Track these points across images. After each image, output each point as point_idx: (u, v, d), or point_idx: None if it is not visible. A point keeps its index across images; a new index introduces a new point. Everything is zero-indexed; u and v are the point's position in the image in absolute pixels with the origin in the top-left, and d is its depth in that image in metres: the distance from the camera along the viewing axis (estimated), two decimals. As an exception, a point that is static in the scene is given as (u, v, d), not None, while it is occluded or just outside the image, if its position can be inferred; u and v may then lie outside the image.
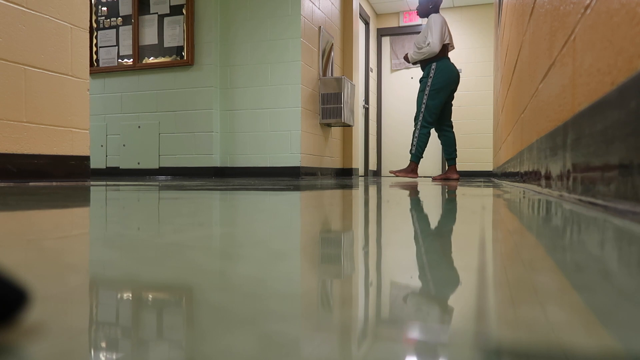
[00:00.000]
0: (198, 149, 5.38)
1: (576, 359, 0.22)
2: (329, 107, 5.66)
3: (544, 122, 1.77)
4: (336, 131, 6.38)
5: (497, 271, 0.42)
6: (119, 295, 0.34)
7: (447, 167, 5.21)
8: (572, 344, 0.24)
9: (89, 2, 3.83)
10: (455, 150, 5.04)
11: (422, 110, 4.83)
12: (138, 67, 5.62)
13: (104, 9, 5.83)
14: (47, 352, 0.23)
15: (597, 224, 0.75)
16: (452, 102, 5.04)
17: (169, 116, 5.50)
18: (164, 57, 5.51)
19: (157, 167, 5.58)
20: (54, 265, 0.44)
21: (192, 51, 5.36)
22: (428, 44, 4.78)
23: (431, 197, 1.68)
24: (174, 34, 5.47)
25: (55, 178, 2.92)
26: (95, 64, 5.85)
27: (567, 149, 1.30)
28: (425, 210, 1.11)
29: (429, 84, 4.80)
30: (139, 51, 5.62)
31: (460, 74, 8.15)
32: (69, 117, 3.02)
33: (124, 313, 0.30)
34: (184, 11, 5.41)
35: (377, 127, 8.79)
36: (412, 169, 4.95)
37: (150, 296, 0.34)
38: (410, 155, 5.07)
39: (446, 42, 4.85)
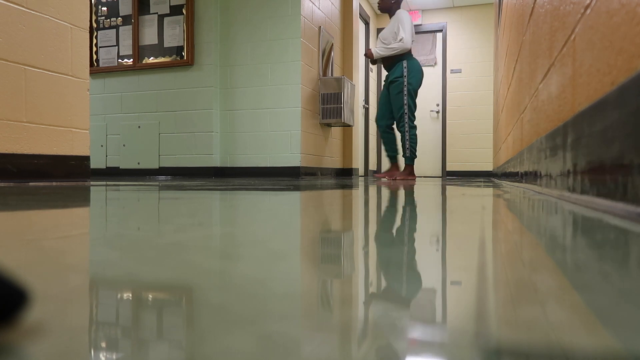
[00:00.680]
0: (198, 149, 5.38)
1: (576, 359, 0.22)
2: (329, 107, 5.66)
3: (544, 122, 1.77)
4: (336, 131, 6.38)
5: (497, 271, 0.42)
6: (118, 295, 0.34)
7: (389, 165, 5.07)
8: (572, 344, 0.24)
9: (89, 2, 3.83)
10: (397, 149, 4.96)
11: (406, 111, 4.72)
12: (138, 67, 5.62)
13: (104, 9, 5.83)
14: (47, 352, 0.23)
15: (598, 224, 0.75)
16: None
17: (169, 116, 5.50)
18: (164, 57, 5.51)
19: (157, 167, 5.58)
20: (54, 265, 0.44)
21: (192, 51, 5.36)
22: (401, 40, 4.64)
23: (432, 197, 1.68)
24: (174, 34, 5.47)
25: (55, 178, 2.92)
26: (95, 64, 5.85)
27: (567, 149, 1.30)
28: (427, 209, 1.11)
29: (405, 83, 4.68)
30: (139, 51, 5.62)
31: (460, 72, 8.20)
32: (69, 117, 3.02)
33: (123, 313, 0.30)
34: (184, 11, 5.41)
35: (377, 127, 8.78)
36: (409, 171, 4.90)
37: (150, 296, 0.34)
38: (405, 158, 4.87)
39: (413, 39, 4.77)
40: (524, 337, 0.25)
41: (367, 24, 8.11)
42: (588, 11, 1.11)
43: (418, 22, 8.43)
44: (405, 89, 4.68)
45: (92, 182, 3.08)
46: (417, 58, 8.41)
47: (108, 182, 3.18)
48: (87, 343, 0.24)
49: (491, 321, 0.28)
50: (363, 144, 8.18)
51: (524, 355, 0.22)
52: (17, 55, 2.69)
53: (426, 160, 8.59)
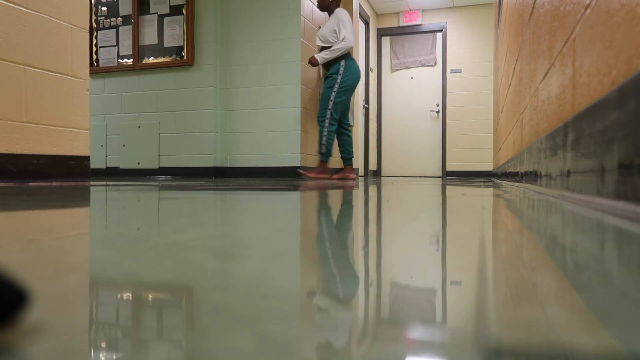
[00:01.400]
0: (198, 149, 5.38)
1: (576, 359, 0.22)
2: (329, 107, 5.66)
3: (544, 122, 1.77)
4: (336, 131, 6.38)
5: (497, 271, 0.42)
6: (118, 295, 0.34)
7: (344, 166, 4.97)
8: (572, 344, 0.24)
9: (89, 2, 3.83)
10: (352, 150, 4.89)
11: (330, 107, 4.60)
12: (138, 67, 5.62)
13: (104, 9, 5.83)
14: (47, 352, 0.23)
15: (597, 224, 0.75)
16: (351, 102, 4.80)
17: (169, 116, 5.50)
18: (164, 57, 5.51)
19: (157, 167, 5.58)
20: (54, 265, 0.44)
21: (192, 51, 5.36)
22: (343, 39, 4.54)
23: (433, 197, 1.68)
24: (174, 34, 5.47)
25: (55, 178, 2.92)
26: (95, 64, 5.85)
27: (567, 149, 1.30)
28: (427, 209, 1.11)
29: (338, 81, 4.58)
30: (139, 51, 5.62)
31: (460, 72, 8.19)
32: (69, 117, 3.02)
33: (123, 313, 0.30)
34: (184, 11, 5.41)
35: (377, 127, 8.79)
36: (323, 168, 4.72)
37: (150, 296, 0.34)
38: (319, 155, 4.70)
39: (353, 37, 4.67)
40: (524, 337, 0.25)
41: (367, 24, 8.11)
42: (588, 11, 1.11)
43: (418, 22, 8.43)
44: (336, 85, 4.58)
45: (92, 182, 3.08)
46: (417, 58, 8.44)
47: (108, 182, 3.18)
48: (87, 343, 0.24)
49: (491, 321, 0.28)
50: (363, 144, 8.18)
51: (524, 355, 0.22)
52: (17, 55, 2.69)
53: (426, 160, 8.59)
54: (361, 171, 8.21)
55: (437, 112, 8.46)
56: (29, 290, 0.27)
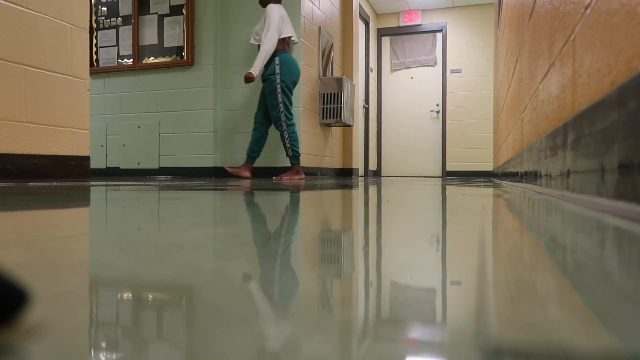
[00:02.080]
0: (198, 149, 5.38)
1: (576, 359, 0.22)
2: (329, 107, 5.66)
3: (544, 122, 1.77)
4: (336, 131, 6.38)
5: (497, 271, 0.42)
6: (118, 296, 0.34)
7: (243, 163, 4.70)
8: (572, 344, 0.24)
9: (89, 2, 3.83)
10: (261, 150, 4.63)
11: (281, 109, 4.38)
12: (138, 67, 5.62)
13: (104, 9, 5.83)
14: (47, 352, 0.23)
15: (598, 224, 0.75)
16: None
17: (169, 116, 5.50)
18: (164, 57, 5.51)
19: (157, 167, 5.58)
20: (54, 265, 0.44)
21: (192, 51, 5.36)
22: (265, 37, 4.28)
23: (433, 197, 1.68)
24: (174, 34, 5.47)
25: (55, 178, 2.92)
26: (95, 64, 5.85)
27: (567, 149, 1.30)
28: (427, 209, 1.11)
29: (278, 81, 4.35)
30: (139, 51, 5.62)
31: (460, 72, 8.20)
32: (69, 117, 3.02)
33: (123, 313, 0.30)
34: (184, 11, 5.41)
35: (377, 127, 8.79)
36: (297, 170, 4.54)
37: (150, 296, 0.34)
38: (289, 158, 4.50)
39: (287, 35, 4.42)
40: (524, 337, 0.25)
41: (367, 24, 8.11)
42: (588, 11, 1.11)
43: (418, 22, 8.43)
44: (278, 86, 4.36)
45: (92, 182, 3.08)
46: (417, 58, 8.44)
47: (108, 182, 3.18)
48: (87, 343, 0.24)
49: (491, 321, 0.28)
50: (363, 144, 8.18)
51: (524, 355, 0.22)
52: (17, 55, 2.69)
53: (426, 160, 8.59)
54: (361, 171, 8.21)
55: (437, 112, 8.46)
56: (29, 290, 0.27)
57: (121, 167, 5.76)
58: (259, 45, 4.50)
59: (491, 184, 3.33)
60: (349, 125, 6.06)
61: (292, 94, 4.48)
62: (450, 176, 8.33)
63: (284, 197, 1.53)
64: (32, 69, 2.78)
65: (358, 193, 1.90)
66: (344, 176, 6.47)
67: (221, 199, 1.43)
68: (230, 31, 5.37)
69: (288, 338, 0.25)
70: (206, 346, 0.23)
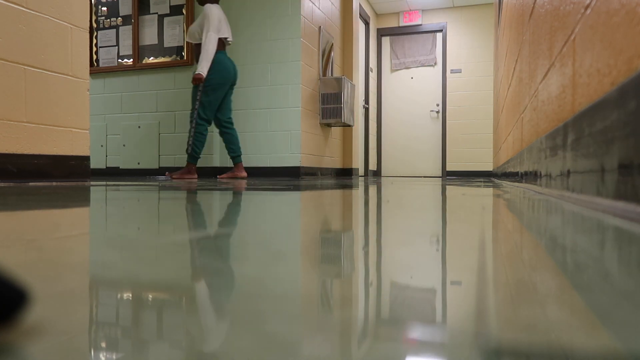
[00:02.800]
0: (198, 149, 5.37)
1: (576, 359, 0.22)
2: (329, 107, 5.66)
3: (544, 122, 1.77)
4: (336, 131, 6.38)
5: (497, 271, 0.42)
6: (118, 295, 0.34)
7: (234, 165, 4.64)
8: (572, 344, 0.24)
9: (89, 2, 3.83)
10: (240, 148, 4.59)
11: (197, 106, 4.34)
12: (138, 67, 5.62)
13: (104, 9, 5.83)
14: (47, 352, 0.23)
15: (598, 224, 0.75)
16: (232, 98, 4.47)
17: (169, 116, 5.50)
18: (163, 57, 5.51)
19: (157, 167, 5.58)
20: (54, 265, 0.44)
21: (192, 51, 5.36)
22: (206, 39, 4.25)
23: (433, 197, 1.68)
24: (174, 34, 5.47)
25: (55, 178, 2.92)
26: (95, 64, 5.85)
27: (567, 149, 1.30)
28: (427, 209, 1.11)
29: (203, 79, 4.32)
30: (139, 51, 5.62)
31: (460, 72, 8.19)
32: (69, 117, 3.02)
33: (123, 313, 0.30)
34: (184, 11, 5.41)
35: (377, 127, 8.79)
36: (189, 169, 4.45)
37: (150, 296, 0.34)
38: (186, 155, 4.40)
39: (224, 36, 4.41)
40: (524, 337, 0.25)
41: (367, 24, 8.11)
42: (588, 11, 1.11)
43: (418, 22, 8.43)
44: (201, 85, 4.33)
45: (92, 182, 3.08)
46: (417, 58, 8.44)
47: (108, 182, 3.18)
48: (87, 343, 0.24)
49: (491, 321, 0.28)
50: (363, 144, 8.18)
51: (524, 355, 0.22)
52: (17, 55, 2.69)
53: (426, 160, 8.59)
54: (361, 171, 8.21)
55: (437, 112, 8.46)
56: (29, 290, 0.27)
57: (121, 167, 5.76)
58: (195, 44, 4.52)
59: (491, 184, 3.33)
60: (349, 125, 6.06)
61: (218, 95, 4.40)
62: (450, 176, 8.33)
63: (284, 197, 1.53)
64: (32, 69, 2.78)
65: (358, 193, 1.90)
66: (343, 176, 6.47)
67: (221, 199, 1.43)
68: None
69: (288, 337, 0.25)
70: (206, 346, 0.23)
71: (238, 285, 0.36)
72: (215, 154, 5.35)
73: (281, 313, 0.29)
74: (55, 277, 0.39)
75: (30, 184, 2.65)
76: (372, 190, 2.21)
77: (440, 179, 6.41)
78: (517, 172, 2.89)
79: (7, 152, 2.64)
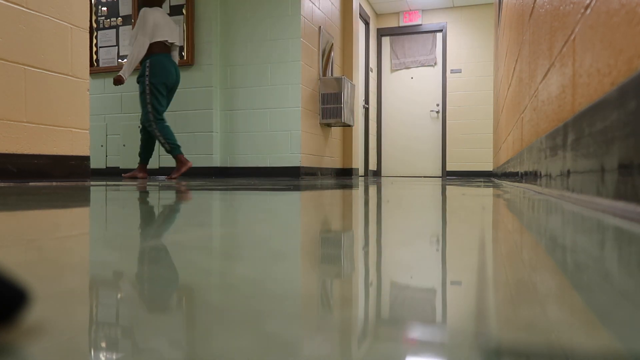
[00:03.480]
0: (198, 149, 5.38)
1: (576, 359, 0.22)
2: (329, 107, 5.66)
3: (544, 122, 1.77)
4: (336, 131, 6.38)
5: (497, 271, 0.42)
6: (118, 295, 0.34)
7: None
8: (572, 344, 0.24)
9: (89, 2, 3.83)
10: (152, 151, 4.53)
11: (149, 110, 4.30)
12: (138, 67, 5.61)
13: (104, 9, 5.82)
14: (47, 352, 0.23)
15: (597, 224, 0.75)
16: (171, 101, 4.50)
17: (169, 116, 5.50)
18: (164, 57, 5.50)
19: (158, 167, 5.58)
20: (54, 265, 0.44)
21: (192, 51, 5.36)
22: (136, 42, 4.24)
23: (433, 197, 1.68)
24: (174, 34, 5.46)
25: (55, 178, 2.92)
26: (95, 64, 5.85)
27: (567, 149, 1.30)
28: (427, 209, 1.11)
29: (147, 82, 4.28)
30: (139, 51, 5.62)
31: (460, 72, 8.19)
32: (69, 117, 3.02)
33: (123, 313, 0.30)
34: (184, 11, 5.41)
35: (377, 127, 8.79)
36: (181, 160, 4.42)
37: (150, 296, 0.34)
38: (170, 153, 4.41)
39: (162, 39, 4.31)
40: (524, 337, 0.25)
41: (367, 24, 8.11)
42: (588, 11, 1.11)
43: (418, 22, 8.43)
44: (147, 88, 4.30)
45: (92, 182, 3.08)
46: (417, 58, 8.44)
47: (108, 182, 3.18)
48: (87, 343, 0.24)
49: (491, 321, 0.28)
50: (363, 144, 8.18)
51: (524, 355, 0.22)
52: (17, 55, 2.69)
53: (426, 160, 8.59)
54: (361, 171, 8.21)
55: (437, 112, 8.46)
56: (29, 290, 0.27)
57: (121, 167, 5.76)
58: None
59: (491, 184, 3.33)
60: (349, 125, 6.06)
61: (164, 95, 4.39)
62: (450, 176, 8.33)
63: (285, 197, 1.53)
64: (32, 69, 2.78)
65: (358, 193, 1.90)
66: (343, 176, 6.47)
67: (221, 199, 1.43)
68: (230, 31, 5.37)
69: (288, 337, 0.25)
70: (206, 346, 0.23)
71: (238, 285, 0.36)
72: (215, 154, 5.35)
73: (281, 313, 0.29)
74: (55, 277, 0.39)
75: (30, 184, 2.65)
76: (372, 190, 2.21)
77: (440, 179, 6.41)
78: (517, 172, 2.89)
79: (7, 152, 2.64)
